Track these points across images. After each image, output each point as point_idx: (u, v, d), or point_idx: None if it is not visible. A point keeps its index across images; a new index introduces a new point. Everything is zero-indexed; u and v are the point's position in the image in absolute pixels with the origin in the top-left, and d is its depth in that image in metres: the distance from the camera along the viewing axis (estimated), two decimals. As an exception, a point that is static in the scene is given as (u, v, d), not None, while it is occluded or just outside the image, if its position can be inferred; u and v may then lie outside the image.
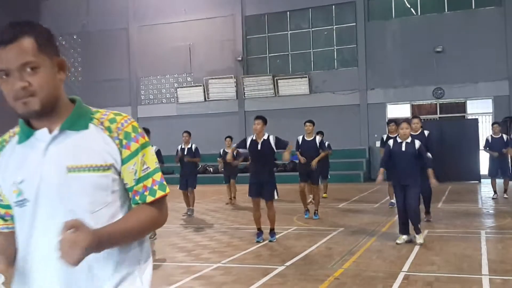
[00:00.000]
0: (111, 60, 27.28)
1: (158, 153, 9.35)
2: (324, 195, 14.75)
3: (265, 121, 8.44)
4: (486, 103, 21.63)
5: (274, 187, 8.33)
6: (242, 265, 6.90)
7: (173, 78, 26.37)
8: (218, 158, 14.82)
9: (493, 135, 13.42)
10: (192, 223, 10.99)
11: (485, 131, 21.01)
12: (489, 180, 17.48)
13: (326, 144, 14.33)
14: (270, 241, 8.31)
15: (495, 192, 13.57)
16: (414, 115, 11.00)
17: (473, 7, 21.68)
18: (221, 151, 14.67)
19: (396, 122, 9.94)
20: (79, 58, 28.25)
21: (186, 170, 12.16)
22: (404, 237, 7.86)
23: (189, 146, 12.23)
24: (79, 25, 27.80)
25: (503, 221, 9.93)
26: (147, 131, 9.44)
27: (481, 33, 21.28)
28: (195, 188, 12.10)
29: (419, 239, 7.66)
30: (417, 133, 9.67)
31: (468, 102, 21.86)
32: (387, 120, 11.51)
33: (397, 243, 7.74)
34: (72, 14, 27.95)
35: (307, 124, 10.96)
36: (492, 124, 13.99)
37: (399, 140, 7.96)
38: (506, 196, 13.31)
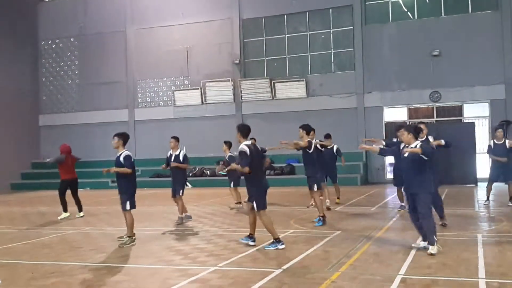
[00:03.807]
0: (108, 63, 27.28)
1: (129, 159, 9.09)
2: (337, 200, 14.52)
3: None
4: (482, 107, 21.69)
5: (252, 199, 8.14)
6: (239, 268, 6.90)
7: (170, 81, 26.38)
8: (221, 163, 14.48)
9: (495, 141, 12.89)
10: (189, 226, 10.98)
11: (482, 134, 21.11)
12: (486, 184, 17.44)
13: (335, 148, 14.40)
14: (264, 247, 8.06)
15: (487, 198, 13.11)
16: (420, 121, 10.88)
17: (470, 11, 21.78)
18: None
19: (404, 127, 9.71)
20: (76, 61, 28.23)
21: (173, 177, 11.68)
22: (420, 241, 7.66)
23: (177, 152, 11.54)
24: (77, 28, 27.80)
25: (499, 224, 9.95)
26: (123, 135, 9.28)
27: (477, 37, 21.37)
28: (180, 195, 11.45)
29: (432, 249, 7.26)
30: (423, 139, 9.63)
31: (464, 105, 21.93)
32: (396, 125, 11.13)
33: (412, 246, 7.63)
34: (69, 17, 27.97)
35: (299, 129, 10.84)
36: (496, 129, 13.52)
37: (402, 144, 7.79)
38: (511, 204, 12.53)
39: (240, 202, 13.98)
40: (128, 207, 9.04)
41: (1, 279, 6.51)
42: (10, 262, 7.77)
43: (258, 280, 6.12)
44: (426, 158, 7.29)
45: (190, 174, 24.01)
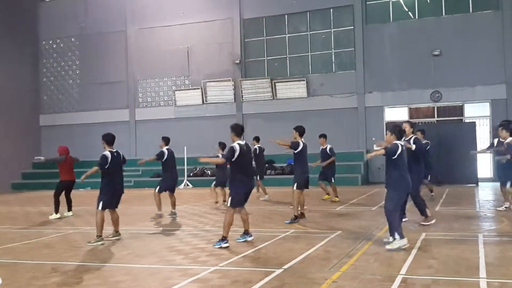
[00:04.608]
0: (109, 63, 27.29)
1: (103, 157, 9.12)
2: (335, 198, 14.63)
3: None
4: (483, 107, 21.68)
5: (229, 195, 8.47)
6: (239, 268, 6.89)
7: (171, 81, 26.39)
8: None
9: (501, 139, 12.38)
10: (189, 225, 10.98)
11: (483, 134, 21.09)
12: (487, 184, 17.48)
13: (328, 148, 14.51)
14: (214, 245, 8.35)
15: (506, 200, 12.27)
16: (406, 120, 11.00)
17: (471, 10, 21.76)
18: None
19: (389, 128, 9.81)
20: (77, 61, 28.24)
21: None
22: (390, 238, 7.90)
23: None
24: (77, 28, 27.81)
25: (500, 224, 9.95)
26: (105, 135, 9.33)
27: (478, 37, 21.36)
28: (155, 190, 12.19)
29: (390, 245, 7.55)
30: (408, 138, 9.79)
31: (465, 105, 21.92)
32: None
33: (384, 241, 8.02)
34: (70, 17, 27.97)
35: (293, 130, 11.07)
36: (502, 129, 12.77)
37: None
38: None
39: (217, 202, 14.41)
40: (99, 206, 9.04)
41: (1, 278, 6.51)
42: (11, 262, 7.77)
43: (259, 280, 6.11)
44: (394, 157, 7.72)
45: (191, 174, 24.02)
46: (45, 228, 11.41)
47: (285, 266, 6.78)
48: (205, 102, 25.44)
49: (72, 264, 7.47)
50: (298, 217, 10.75)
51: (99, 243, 8.92)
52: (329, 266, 6.76)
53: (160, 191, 12.15)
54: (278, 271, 6.54)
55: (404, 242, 7.55)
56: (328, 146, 14.61)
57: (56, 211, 13.10)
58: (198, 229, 10.47)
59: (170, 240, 9.24)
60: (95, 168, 9.07)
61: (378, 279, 6.03)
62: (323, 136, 14.67)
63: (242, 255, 7.65)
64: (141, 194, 18.51)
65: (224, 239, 8.25)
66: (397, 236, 7.59)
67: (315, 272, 6.47)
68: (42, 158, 14.53)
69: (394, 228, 7.66)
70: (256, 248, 8.11)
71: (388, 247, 7.58)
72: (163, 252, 8.18)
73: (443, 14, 22.22)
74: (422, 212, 9.93)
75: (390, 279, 5.97)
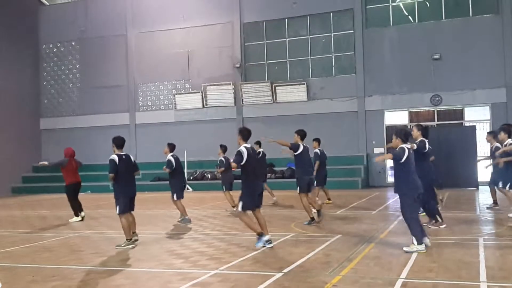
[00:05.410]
0: (109, 67, 27.32)
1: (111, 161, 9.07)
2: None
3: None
4: (483, 110, 21.69)
5: (240, 199, 8.49)
6: (239, 272, 6.89)
7: (171, 85, 26.41)
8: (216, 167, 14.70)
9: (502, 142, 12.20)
10: (189, 229, 10.97)
11: (483, 138, 21.05)
12: (487, 187, 17.44)
13: (313, 152, 14.44)
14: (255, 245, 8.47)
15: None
16: (416, 124, 10.92)
17: (471, 14, 21.79)
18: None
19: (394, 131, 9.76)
20: (77, 65, 28.27)
21: None
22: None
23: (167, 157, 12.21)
24: (78, 32, 27.86)
25: (501, 228, 9.94)
26: (114, 139, 9.25)
27: (478, 41, 21.39)
28: (174, 199, 12.04)
29: (408, 248, 7.64)
30: (416, 140, 9.73)
31: (465, 109, 21.93)
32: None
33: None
34: (70, 21, 28.02)
35: (295, 134, 11.16)
36: (500, 131, 12.56)
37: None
38: None
39: (235, 206, 14.09)
40: (118, 211, 9.04)
41: (1, 282, 6.51)
42: (11, 265, 7.76)
43: (259, 284, 6.11)
44: (401, 161, 7.69)
45: (191, 178, 24.01)
46: (45, 232, 11.40)
47: (285, 270, 6.78)
48: (205, 106, 25.46)
49: (72, 268, 7.46)
50: (314, 219, 10.91)
51: (130, 246, 8.89)
52: (329, 270, 6.75)
53: (178, 198, 11.98)
54: (278, 275, 6.53)
55: (421, 248, 7.58)
56: (314, 150, 14.53)
57: (76, 214, 13.07)
58: (198, 232, 10.46)
59: (170, 244, 9.23)
60: (110, 175, 8.98)
61: (379, 283, 6.02)
62: (316, 140, 14.61)
63: (242, 258, 7.64)
64: (142, 197, 18.50)
65: (260, 234, 8.37)
66: (415, 241, 7.59)
67: (315, 276, 6.47)
68: (46, 162, 14.43)
69: (413, 233, 7.67)
70: (256, 252, 8.10)
71: (405, 249, 7.64)
72: (163, 256, 8.17)
73: (443, 18, 22.25)
74: (428, 212, 9.92)
75: (390, 283, 5.96)
